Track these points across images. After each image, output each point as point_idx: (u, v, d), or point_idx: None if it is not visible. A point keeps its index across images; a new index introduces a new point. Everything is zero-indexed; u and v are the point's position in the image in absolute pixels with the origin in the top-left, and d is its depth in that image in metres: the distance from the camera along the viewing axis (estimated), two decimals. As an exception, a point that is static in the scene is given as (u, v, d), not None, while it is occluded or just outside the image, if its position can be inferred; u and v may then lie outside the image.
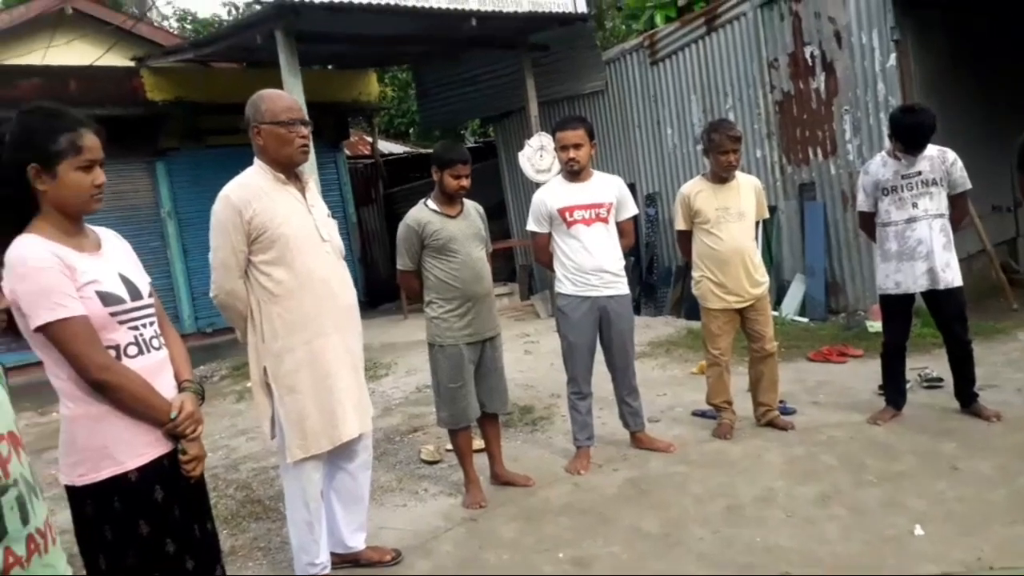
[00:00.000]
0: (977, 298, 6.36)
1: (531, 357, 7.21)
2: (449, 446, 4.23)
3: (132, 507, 2.04)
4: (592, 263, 4.13)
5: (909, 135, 4.18)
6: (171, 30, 17.20)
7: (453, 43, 9.37)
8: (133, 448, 2.05)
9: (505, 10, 8.07)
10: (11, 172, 1.98)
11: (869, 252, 6.43)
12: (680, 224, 4.55)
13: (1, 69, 9.18)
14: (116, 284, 2.07)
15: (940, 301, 4.29)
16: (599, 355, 4.28)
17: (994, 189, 7.58)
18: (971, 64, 7.54)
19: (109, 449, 2.02)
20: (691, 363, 6.19)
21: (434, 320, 3.83)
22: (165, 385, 2.15)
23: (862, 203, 4.47)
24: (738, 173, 4.48)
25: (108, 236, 2.21)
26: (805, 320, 7.37)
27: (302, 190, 3.05)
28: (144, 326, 2.12)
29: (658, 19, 9.74)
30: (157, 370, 2.14)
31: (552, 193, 4.22)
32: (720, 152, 4.32)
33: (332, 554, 3.19)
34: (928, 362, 5.21)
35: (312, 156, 8.03)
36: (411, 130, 17.48)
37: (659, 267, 9.10)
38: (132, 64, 9.42)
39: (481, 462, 4.10)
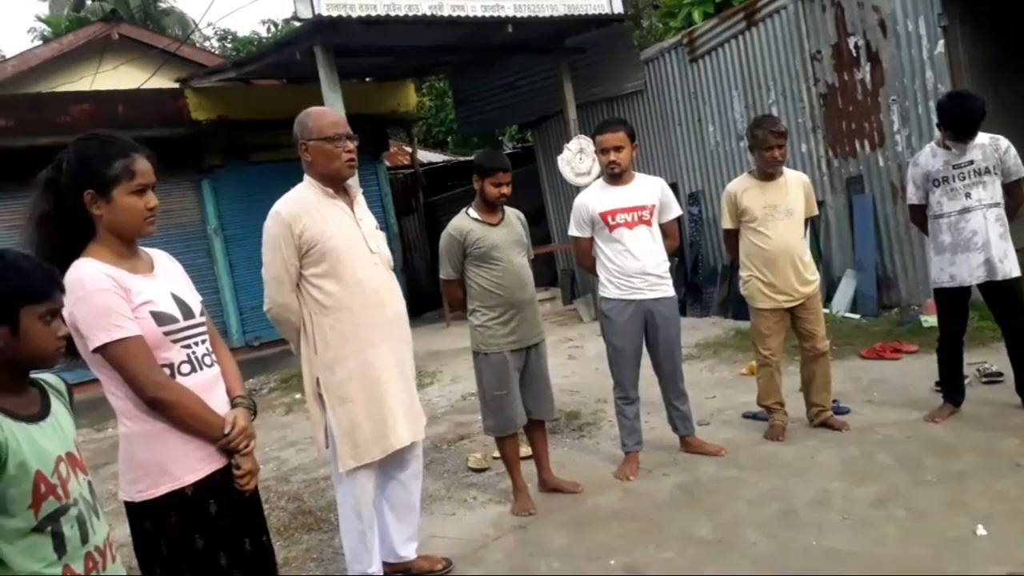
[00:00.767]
0: (1037, 289, 6.15)
1: (575, 362, 7.18)
2: (496, 454, 4.23)
3: (188, 522, 2.08)
4: (636, 266, 4.09)
5: (958, 123, 4.06)
6: (212, 50, 17.61)
7: (489, 50, 9.40)
8: (189, 464, 2.09)
9: (541, 15, 8.06)
10: (69, 198, 2.04)
11: (922, 245, 6.27)
12: (727, 223, 4.49)
13: (54, 96, 9.49)
14: (169, 304, 2.12)
15: (998, 293, 4.16)
16: (645, 359, 4.24)
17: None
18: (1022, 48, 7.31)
19: (166, 465, 2.06)
20: (740, 364, 6.09)
21: (478, 328, 3.84)
22: (218, 401, 2.19)
23: (912, 196, 4.36)
24: (786, 169, 4.40)
25: (161, 257, 2.26)
26: (857, 317, 7.21)
27: (350, 204, 3.10)
28: (196, 344, 2.17)
29: (696, 16, 9.63)
30: (210, 386, 2.17)
31: (593, 197, 4.19)
32: (765, 148, 4.25)
33: (384, 563, 3.21)
34: (987, 356, 5.05)
35: (354, 168, 8.09)
36: (449, 138, 17.61)
37: (704, 267, 8.99)
38: (176, 85, 9.66)
39: (529, 469, 4.09)
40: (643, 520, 3.60)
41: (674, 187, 8.32)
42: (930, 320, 6.03)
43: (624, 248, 4.10)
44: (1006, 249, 4.12)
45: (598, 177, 4.37)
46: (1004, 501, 3.24)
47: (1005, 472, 3.51)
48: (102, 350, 1.99)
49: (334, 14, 7.07)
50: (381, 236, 3.19)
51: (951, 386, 4.34)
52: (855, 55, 7.31)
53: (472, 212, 3.86)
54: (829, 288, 7.47)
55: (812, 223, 5.56)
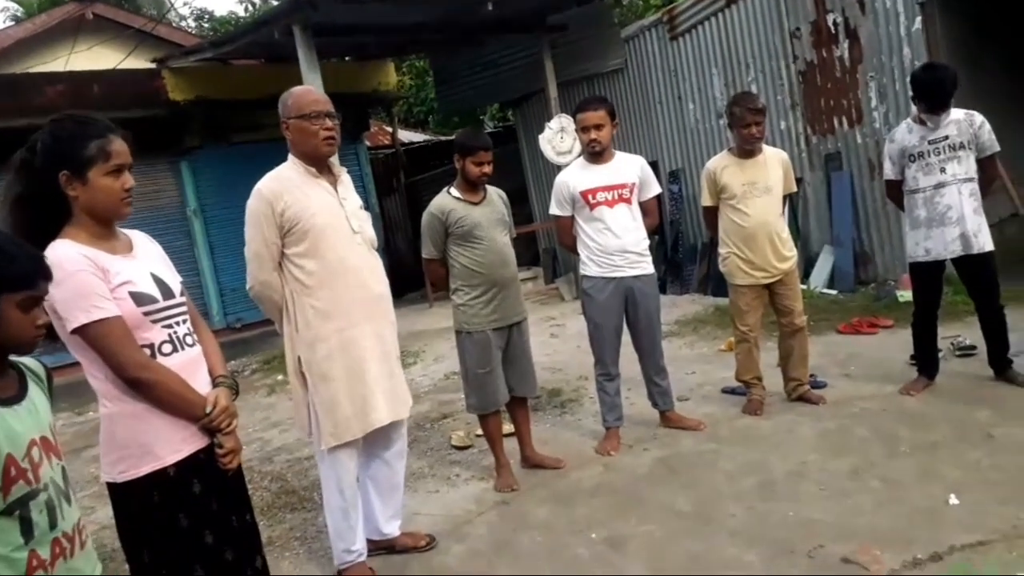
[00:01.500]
0: (1010, 263, 6.23)
1: (557, 340, 7.22)
2: (479, 431, 4.26)
3: (172, 501, 2.09)
4: (616, 244, 4.11)
5: (931, 93, 4.10)
6: (189, 30, 17.36)
7: (470, 29, 9.34)
8: (171, 444, 2.09)
9: (521, -8, 8.03)
10: (44, 179, 2.03)
11: (898, 221, 6.34)
12: (706, 200, 4.52)
13: (28, 77, 9.34)
14: (149, 284, 2.11)
15: (972, 267, 4.22)
16: (626, 335, 4.28)
17: (1026, 151, 7.42)
18: (1000, 25, 7.36)
19: (148, 445, 2.07)
20: (719, 340, 6.15)
21: (460, 307, 3.85)
22: (200, 381, 2.20)
23: (889, 171, 4.40)
24: (765, 146, 4.43)
25: (140, 238, 2.25)
26: (834, 292, 7.29)
27: (334, 183, 3.10)
28: (177, 324, 2.16)
29: (675, -6, 9.62)
30: (192, 366, 2.18)
31: (574, 175, 4.20)
32: (743, 125, 4.27)
33: (368, 541, 3.24)
34: (960, 330, 5.13)
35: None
36: (430, 118, 17.49)
37: (684, 244, 9.04)
38: (153, 66, 9.53)
39: (511, 446, 4.12)
40: (624, 494, 3.65)
41: (654, 165, 8.36)
42: (906, 295, 6.11)
43: (604, 226, 4.12)
44: (980, 223, 4.17)
45: (579, 156, 4.37)
46: (976, 471, 3.32)
47: (977, 443, 3.59)
48: (81, 331, 1.99)
49: (312, -8, 7.00)
50: (365, 216, 3.19)
51: (926, 359, 4.42)
52: (834, 32, 7.33)
53: (454, 191, 3.86)
54: (807, 264, 7.54)
55: (790, 200, 5.61)
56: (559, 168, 7.19)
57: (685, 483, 3.66)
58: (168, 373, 2.08)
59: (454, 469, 4.31)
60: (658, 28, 9.00)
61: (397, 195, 13.18)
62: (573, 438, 4.52)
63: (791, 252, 4.43)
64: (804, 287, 5.96)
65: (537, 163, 10.41)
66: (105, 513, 2.14)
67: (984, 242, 4.17)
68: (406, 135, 15.91)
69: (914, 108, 4.31)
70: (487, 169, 3.80)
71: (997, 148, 4.20)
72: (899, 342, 5.11)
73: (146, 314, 2.07)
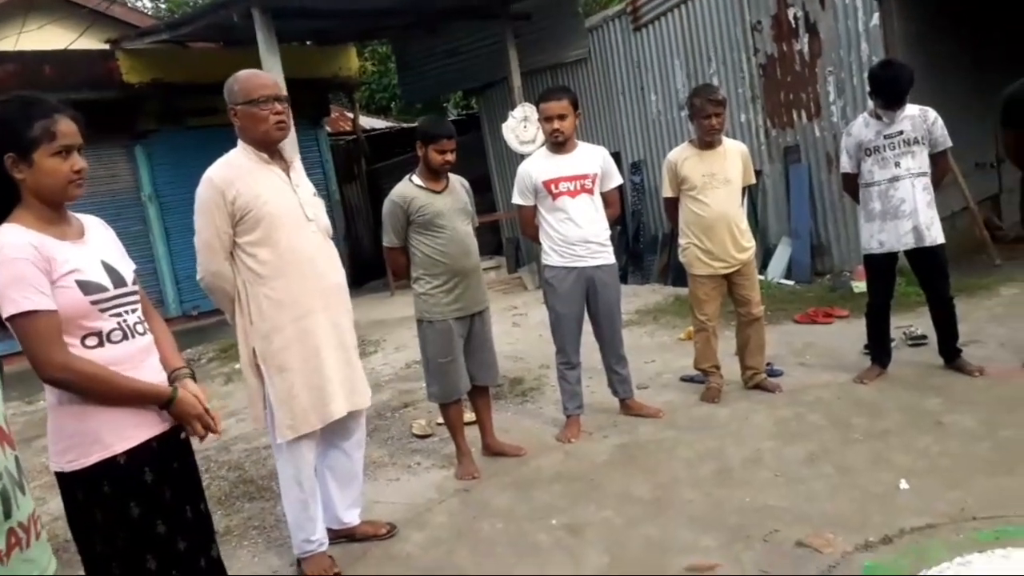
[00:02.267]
0: (961, 255, 6.41)
1: (519, 329, 7.24)
2: (440, 420, 4.26)
3: (122, 490, 2.05)
4: (578, 234, 4.13)
5: (887, 90, 4.19)
6: (145, 11, 16.95)
7: (433, 14, 9.27)
8: (120, 431, 2.05)
9: (484, -22, 7.98)
10: None
11: (854, 214, 6.43)
12: (667, 191, 4.55)
13: (-27, 55, 9.03)
14: (98, 272, 2.06)
15: (924, 259, 4.32)
16: (587, 325, 4.30)
17: (978, 146, 7.61)
18: (956, 22, 7.51)
19: (96, 434, 2.02)
20: (678, 329, 6.22)
21: (422, 296, 3.83)
22: (151, 369, 2.15)
23: (845, 164, 4.48)
24: (725, 139, 4.48)
25: (93, 223, 2.19)
26: (791, 283, 7.42)
27: (286, 169, 3.04)
28: (128, 312, 2.12)
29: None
30: (141, 355, 2.13)
31: (536, 165, 4.20)
32: (703, 116, 4.31)
33: (328, 530, 3.21)
34: (913, 320, 5.26)
35: (292, 134, 7.91)
36: (393, 104, 17.35)
37: (645, 235, 9.11)
38: (107, 47, 9.28)
39: (472, 434, 4.13)
40: (584, 480, 3.68)
41: (616, 156, 8.39)
42: (860, 286, 6.23)
43: (566, 216, 4.13)
44: (932, 217, 4.27)
45: (542, 145, 4.38)
46: (925, 457, 3.41)
47: (927, 429, 3.69)
48: (10, 321, 1.94)
49: (271, -26, 6.88)
50: (319, 203, 3.13)
51: (879, 349, 4.52)
52: (794, 26, 7.42)
53: (416, 179, 3.83)
54: (765, 255, 7.66)
55: (749, 191, 5.69)
56: (522, 157, 7.19)
57: (644, 470, 3.70)
58: (95, 369, 2.00)
59: (415, 457, 4.31)
60: (622, 19, 9.03)
61: (358, 182, 13.04)
62: (534, 426, 4.54)
63: (750, 243, 4.49)
64: (762, 278, 6.07)
65: (500, 152, 10.39)
66: (57, 504, 2.10)
67: (936, 235, 4.27)
68: (368, 121, 15.75)
69: (871, 103, 4.40)
70: (450, 157, 3.77)
71: (949, 144, 4.30)
72: (853, 332, 5.22)
73: (94, 303, 2.02)
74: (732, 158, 4.43)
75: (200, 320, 9.30)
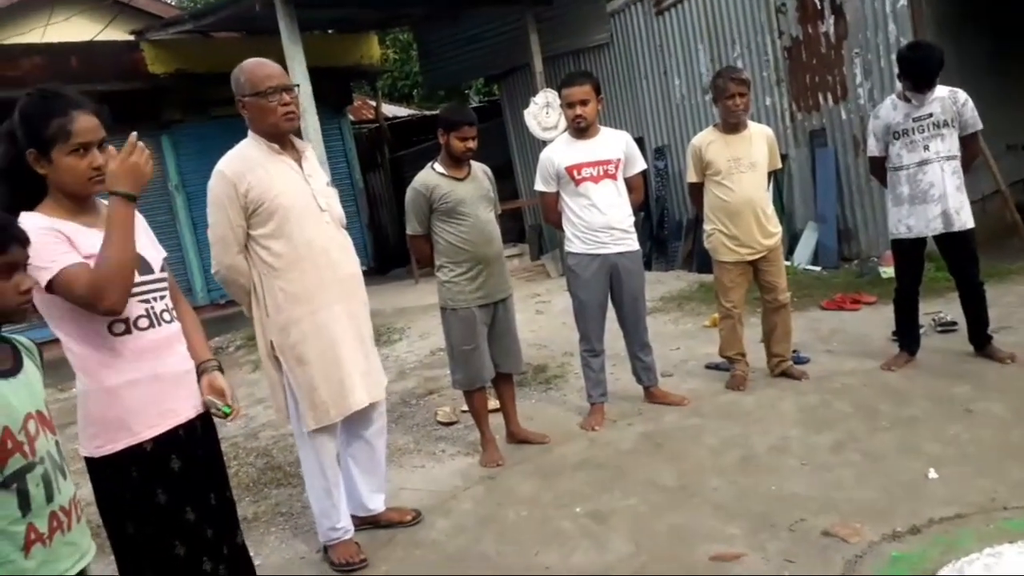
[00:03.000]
0: (991, 239, 6.30)
1: (543, 317, 7.23)
2: (465, 407, 4.27)
3: (149, 477, 2.08)
4: (601, 220, 4.10)
5: (917, 72, 4.11)
6: (169, 2, 17.04)
7: (454, 1, 9.23)
8: (147, 419, 2.08)
9: (506, -36, 7.93)
10: (19, 155, 1.99)
11: (882, 198, 6.34)
12: (692, 176, 4.51)
13: (2, 48, 9.15)
14: None
15: (953, 244, 4.25)
16: (611, 312, 4.28)
17: (1009, 128, 7.45)
18: (985, 2, 7.36)
19: (124, 420, 2.05)
20: (703, 316, 6.18)
21: (446, 284, 3.84)
22: (178, 357, 2.18)
23: (873, 148, 4.41)
24: (750, 123, 4.42)
25: None
26: (818, 269, 7.33)
27: (298, 159, 3.02)
28: (155, 299, 2.14)
29: (661, -33, 9.54)
30: (168, 343, 2.16)
31: (559, 151, 4.18)
32: (727, 97, 4.25)
33: (353, 516, 3.24)
34: (942, 306, 5.18)
35: (316, 123, 7.95)
36: (414, 92, 17.33)
37: (669, 221, 9.05)
38: (132, 38, 9.36)
39: (497, 422, 4.14)
40: (608, 468, 3.68)
41: (640, 141, 8.32)
42: (888, 271, 6.16)
43: (590, 202, 4.11)
44: (962, 201, 4.20)
45: (564, 131, 4.35)
46: (955, 445, 3.36)
47: (956, 417, 3.64)
48: (49, 289, 1.93)
49: (293, -37, 6.89)
50: (333, 193, 3.11)
51: (907, 335, 4.46)
52: (819, 7, 7.31)
53: (438, 167, 3.83)
54: (791, 241, 7.57)
55: (775, 176, 5.62)
56: (544, 143, 7.16)
57: (668, 457, 3.69)
58: (88, 265, 1.97)
59: (440, 445, 4.33)
60: (644, 2, 8.94)
61: (381, 170, 13.07)
62: (558, 414, 4.54)
63: (776, 228, 4.44)
64: (788, 263, 6.00)
65: (523, 138, 10.35)
66: (88, 490, 2.13)
67: (966, 219, 4.19)
68: (390, 109, 15.76)
69: (899, 84, 4.31)
70: (472, 144, 3.76)
71: (980, 126, 4.21)
72: (881, 318, 5.16)
73: None
74: (758, 142, 4.37)
75: (227, 308, 9.36)
